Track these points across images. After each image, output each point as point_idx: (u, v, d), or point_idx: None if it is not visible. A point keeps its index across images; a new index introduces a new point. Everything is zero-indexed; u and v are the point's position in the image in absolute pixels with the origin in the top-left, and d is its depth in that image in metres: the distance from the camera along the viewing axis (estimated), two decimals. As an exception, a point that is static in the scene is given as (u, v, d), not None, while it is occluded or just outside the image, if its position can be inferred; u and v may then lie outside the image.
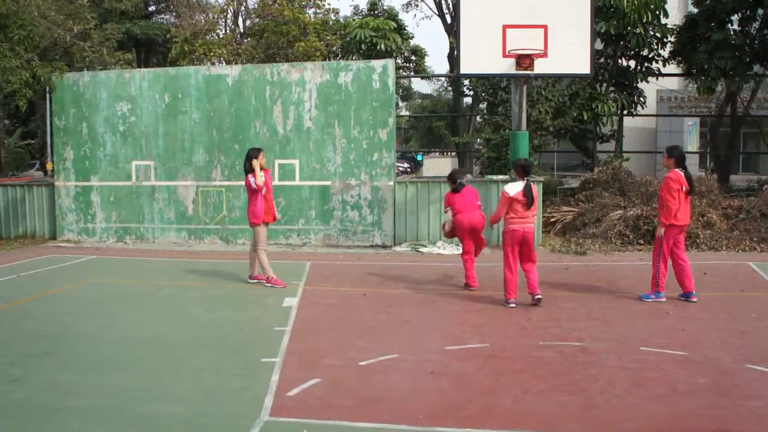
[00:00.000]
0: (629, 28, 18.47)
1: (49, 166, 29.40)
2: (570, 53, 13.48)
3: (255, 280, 10.97)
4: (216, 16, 27.75)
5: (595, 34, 14.72)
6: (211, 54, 24.11)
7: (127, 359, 7.06)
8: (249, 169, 10.63)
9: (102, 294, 10.41)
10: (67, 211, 16.46)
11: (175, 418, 5.44)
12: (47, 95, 17.31)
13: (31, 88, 15.80)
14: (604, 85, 20.14)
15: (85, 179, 16.32)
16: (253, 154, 10.65)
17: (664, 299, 9.26)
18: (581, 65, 13.76)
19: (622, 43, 19.38)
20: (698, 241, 13.75)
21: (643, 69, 20.18)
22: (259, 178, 10.47)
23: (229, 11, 27.92)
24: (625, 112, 20.60)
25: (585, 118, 19.77)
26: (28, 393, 6.01)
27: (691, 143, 30.64)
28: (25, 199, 17.02)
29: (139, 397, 5.91)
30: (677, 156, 9.43)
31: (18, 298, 9.98)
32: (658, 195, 9.52)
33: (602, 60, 19.92)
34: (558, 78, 19.25)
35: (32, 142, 40.75)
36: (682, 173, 9.27)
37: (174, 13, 37.07)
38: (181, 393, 5.98)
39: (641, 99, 20.72)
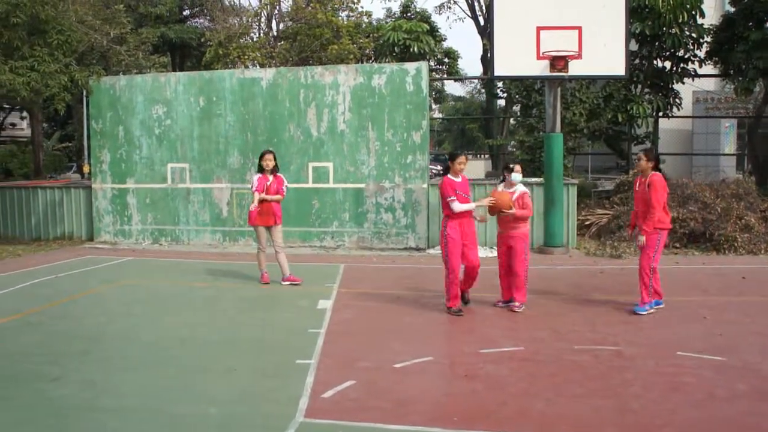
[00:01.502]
0: (665, 29, 18.29)
1: (86, 169, 29.77)
2: (605, 54, 13.34)
3: (288, 282, 11.01)
4: (250, 20, 27.93)
5: (630, 35, 14.58)
6: (245, 57, 24.26)
7: (163, 359, 7.12)
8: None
9: (138, 295, 10.52)
10: (104, 213, 16.66)
11: (210, 418, 5.47)
12: (84, 99, 17.56)
13: (69, 92, 16.02)
14: (639, 86, 19.96)
15: (122, 182, 16.52)
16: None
17: (654, 310, 8.90)
18: (616, 66, 13.62)
19: (657, 43, 19.19)
20: (736, 244, 13.56)
21: (679, 70, 19.96)
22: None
23: (262, 15, 28.08)
24: (660, 113, 20.40)
25: (620, 119, 19.62)
26: (66, 392, 6.08)
27: (728, 145, 30.20)
28: (63, 201, 17.27)
29: (174, 397, 5.96)
30: (656, 159, 9.04)
31: (56, 299, 10.12)
32: (640, 200, 8.96)
33: (637, 61, 19.75)
34: (592, 80, 19.12)
35: (70, 145, 41.33)
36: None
37: (208, 17, 37.32)
38: (216, 393, 6.01)
39: (677, 100, 20.51)
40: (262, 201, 10.88)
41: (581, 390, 5.99)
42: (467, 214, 8.86)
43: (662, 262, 12.62)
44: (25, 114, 41.97)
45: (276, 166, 11.19)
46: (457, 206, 8.78)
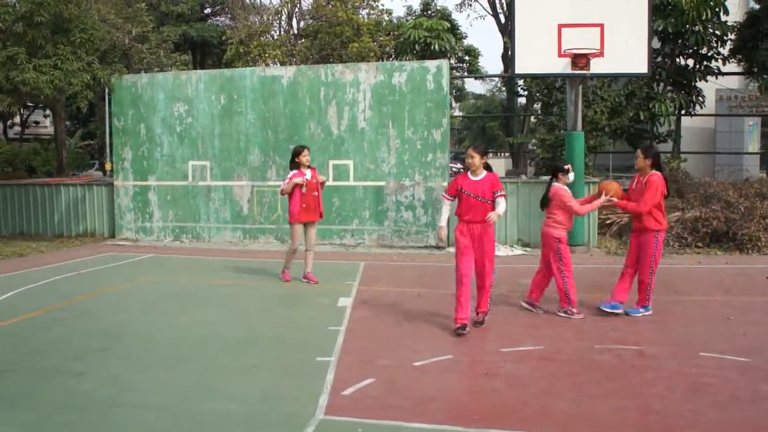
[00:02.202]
0: (688, 26, 18.15)
1: (107, 166, 30.02)
2: (627, 52, 13.26)
3: (306, 280, 11.04)
4: (270, 18, 27.97)
5: (652, 32, 14.46)
6: (266, 55, 24.31)
7: (184, 357, 7.15)
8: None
9: (159, 292, 10.58)
10: (125, 210, 16.77)
11: (231, 415, 5.49)
12: (106, 97, 17.69)
13: (92, 90, 16.13)
14: (662, 84, 19.82)
15: (143, 179, 16.62)
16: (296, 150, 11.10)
17: (651, 312, 8.61)
18: (638, 64, 13.54)
19: (680, 41, 19.06)
20: (759, 244, 13.43)
21: (702, 68, 19.81)
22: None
23: (283, 13, 28.12)
24: (683, 111, 20.26)
25: (642, 118, 19.50)
26: (90, 387, 6.13)
27: (752, 143, 29.91)
28: (85, 199, 17.40)
29: (195, 394, 5.98)
30: (655, 156, 8.63)
31: (78, 295, 10.20)
32: (636, 200, 8.52)
33: (660, 59, 19.61)
34: (614, 78, 19.00)
35: (92, 142, 41.66)
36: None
37: (229, 16, 37.52)
38: (237, 391, 6.03)
39: (700, 98, 20.35)
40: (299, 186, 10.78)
41: (602, 390, 5.96)
42: (479, 214, 7.97)
43: (685, 261, 12.60)
44: (48, 112, 42.33)
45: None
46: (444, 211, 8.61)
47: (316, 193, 10.92)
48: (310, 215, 10.96)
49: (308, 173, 10.89)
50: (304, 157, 10.88)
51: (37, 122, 48.73)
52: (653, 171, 8.46)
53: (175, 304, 9.67)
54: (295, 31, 28.30)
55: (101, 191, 17.41)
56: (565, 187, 8.76)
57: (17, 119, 42.99)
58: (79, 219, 17.48)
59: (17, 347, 7.45)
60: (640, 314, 8.53)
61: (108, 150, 30.07)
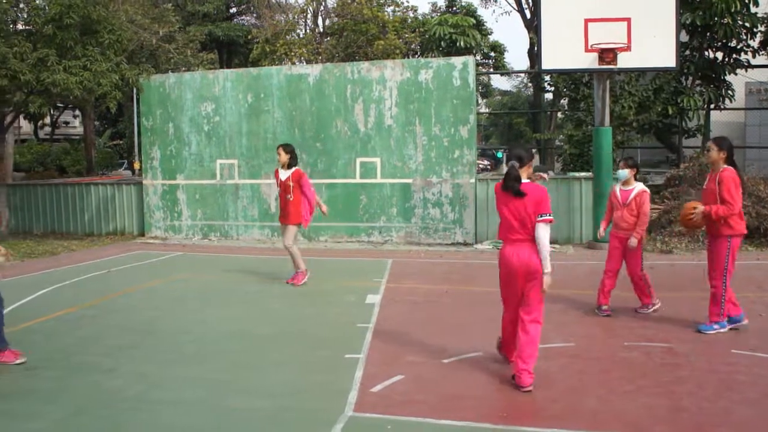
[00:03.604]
0: (716, 19, 17.92)
1: (136, 166, 30.29)
2: (654, 46, 13.14)
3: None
4: (296, 17, 28.10)
5: (680, 26, 14.31)
6: (292, 54, 24.41)
7: (213, 353, 7.19)
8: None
9: (188, 289, 10.66)
10: (154, 208, 16.92)
11: (261, 411, 5.52)
12: (135, 97, 17.85)
13: (120, 90, 16.28)
14: (690, 78, 19.61)
15: (172, 178, 16.76)
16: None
17: (727, 329, 7.64)
18: (666, 58, 13.39)
19: (708, 34, 18.83)
20: (790, 241, 13.27)
21: (731, 61, 19.55)
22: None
23: (308, 11, 28.22)
24: (712, 105, 20.02)
25: (670, 112, 19.30)
26: (119, 383, 6.19)
27: (783, 137, 29.53)
28: (115, 198, 17.58)
29: (224, 390, 6.01)
30: (729, 148, 7.59)
31: (109, 293, 10.30)
32: (710, 199, 7.58)
33: (688, 52, 19.39)
34: (642, 72, 18.82)
35: (120, 142, 42.06)
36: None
37: (255, 15, 37.71)
38: (266, 387, 6.06)
39: (729, 92, 20.09)
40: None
41: (632, 387, 5.90)
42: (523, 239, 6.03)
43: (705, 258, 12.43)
44: (77, 112, 42.85)
45: (291, 159, 10.80)
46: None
47: (290, 197, 10.59)
48: (281, 216, 10.87)
49: (284, 174, 10.71)
50: (278, 156, 10.80)
51: (66, 122, 49.29)
52: (725, 166, 7.52)
53: (204, 302, 9.74)
54: (321, 29, 28.41)
55: (130, 190, 17.58)
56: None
57: (47, 120, 43.48)
58: (109, 218, 17.66)
59: (49, 344, 7.55)
60: (714, 331, 7.55)
61: (136, 149, 30.36)
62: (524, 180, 5.98)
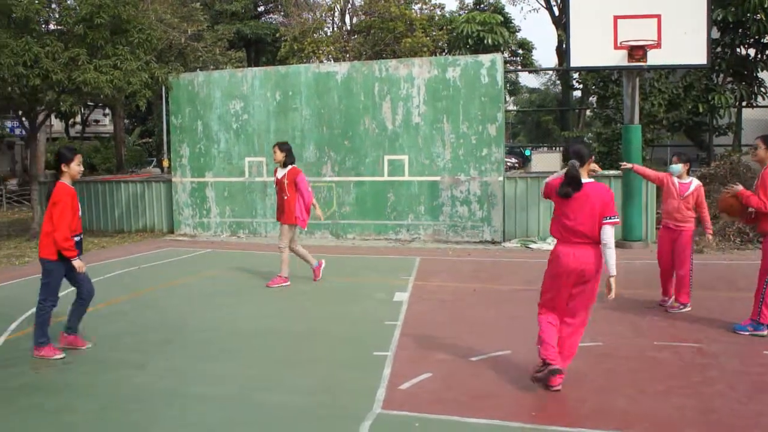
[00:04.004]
0: (749, 15, 17.72)
1: (165, 163, 30.50)
2: (685, 43, 13.00)
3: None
4: (323, 15, 28.15)
5: (711, 22, 14.15)
6: (319, 52, 24.47)
7: (243, 349, 7.24)
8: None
9: (217, 286, 10.72)
10: (183, 206, 17.05)
11: (290, 407, 5.54)
12: (164, 95, 17.99)
13: (150, 89, 16.41)
14: (722, 75, 19.40)
15: (201, 175, 16.87)
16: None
17: (766, 332, 7.41)
18: (697, 55, 13.24)
19: (740, 30, 18.61)
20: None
21: (764, 57, 19.29)
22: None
23: (336, 9, 28.27)
24: (743, 103, 19.78)
25: (700, 110, 19.12)
26: (151, 379, 6.25)
27: (817, 135, 29.05)
28: (144, 195, 17.74)
29: (254, 385, 6.05)
30: None
31: (139, 289, 10.41)
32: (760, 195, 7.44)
33: (719, 49, 19.17)
34: (672, 69, 18.64)
35: (150, 140, 42.38)
36: None
37: (282, 13, 37.83)
38: (296, 384, 6.08)
39: (761, 89, 19.84)
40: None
41: (662, 387, 5.83)
42: (581, 238, 5.72)
43: (746, 257, 12.31)
44: (107, 111, 43.22)
45: (287, 158, 10.61)
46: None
47: (285, 195, 10.45)
48: (277, 215, 10.77)
49: (280, 172, 10.61)
50: (274, 155, 10.65)
51: (96, 121, 49.73)
52: None
53: (233, 298, 9.80)
54: (348, 27, 28.45)
55: (160, 188, 17.73)
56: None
57: (78, 118, 43.93)
58: (139, 215, 17.82)
59: (82, 340, 7.65)
60: (747, 333, 7.39)
61: (166, 147, 30.57)
62: (586, 179, 5.70)
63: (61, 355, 6.84)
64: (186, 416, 5.42)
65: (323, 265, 11.06)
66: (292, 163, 10.60)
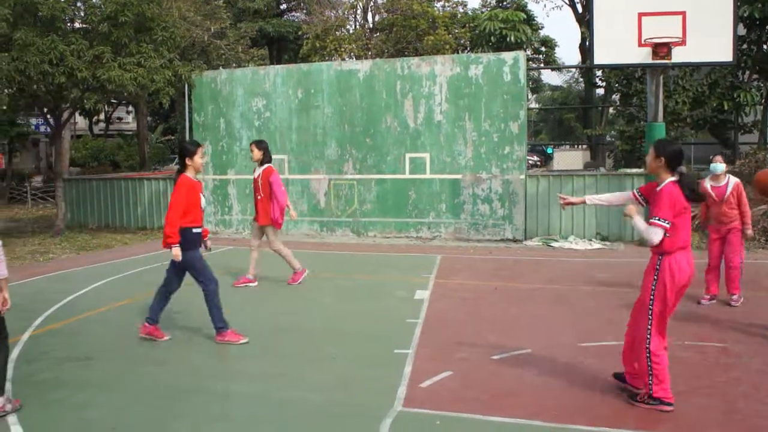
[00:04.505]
0: (776, 12, 17.54)
1: (188, 161, 30.61)
2: (710, 40, 12.88)
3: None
4: (346, 12, 28.16)
5: (737, 19, 14.01)
6: (342, 50, 24.49)
7: (264, 347, 7.27)
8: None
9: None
10: (205, 203, 17.09)
11: (311, 404, 5.56)
12: (187, 93, 18.07)
13: (173, 86, 16.51)
14: (747, 72, 19.23)
15: (223, 173, 16.95)
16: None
17: None
18: (722, 53, 13.12)
19: (767, 27, 18.40)
20: None
21: (791, 54, 19.12)
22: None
23: (358, 7, 28.28)
24: (769, 101, 19.59)
25: (725, 108, 18.96)
26: (172, 375, 6.31)
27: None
28: (167, 192, 17.83)
29: (275, 383, 6.08)
30: None
31: (162, 286, 10.45)
32: None
33: (745, 46, 19.00)
34: (697, 67, 18.49)
35: (172, 137, 42.58)
36: None
37: (305, 11, 37.86)
38: (317, 381, 6.11)
39: (788, 87, 19.65)
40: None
41: (686, 387, 5.80)
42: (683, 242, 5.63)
43: (762, 256, 12.18)
44: (130, 108, 43.54)
45: (264, 156, 10.38)
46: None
47: (260, 195, 10.27)
48: (255, 216, 10.56)
49: (257, 171, 10.42)
50: (251, 153, 10.47)
51: (120, 118, 50.08)
52: None
53: (255, 296, 9.85)
54: (371, 25, 28.43)
55: (182, 185, 17.79)
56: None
57: (102, 116, 44.25)
58: (161, 212, 17.91)
59: (105, 335, 7.73)
60: None
61: (188, 145, 30.66)
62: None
63: (245, 340, 7.33)
64: (208, 412, 5.45)
65: (304, 276, 10.75)
66: (268, 161, 10.36)
